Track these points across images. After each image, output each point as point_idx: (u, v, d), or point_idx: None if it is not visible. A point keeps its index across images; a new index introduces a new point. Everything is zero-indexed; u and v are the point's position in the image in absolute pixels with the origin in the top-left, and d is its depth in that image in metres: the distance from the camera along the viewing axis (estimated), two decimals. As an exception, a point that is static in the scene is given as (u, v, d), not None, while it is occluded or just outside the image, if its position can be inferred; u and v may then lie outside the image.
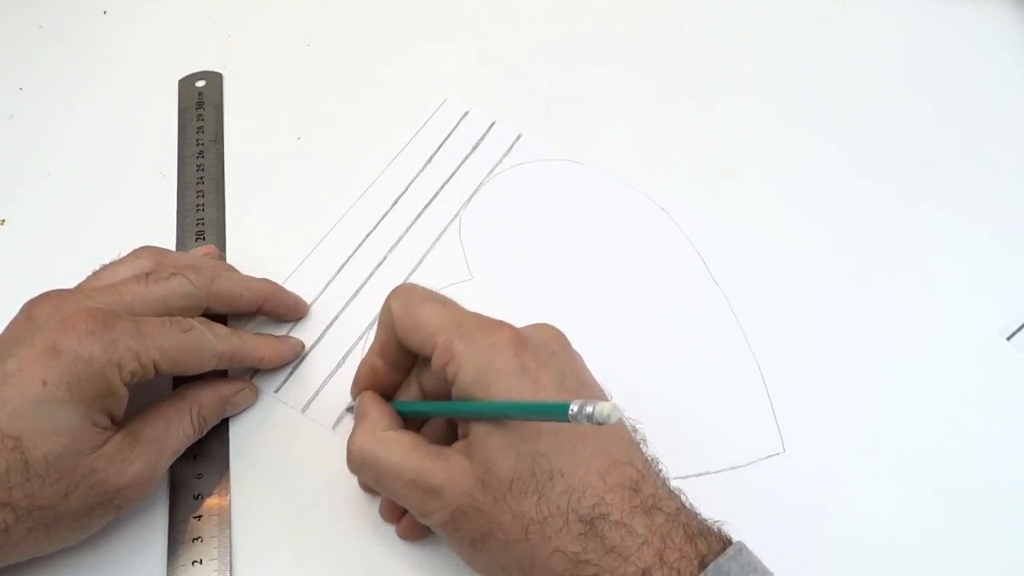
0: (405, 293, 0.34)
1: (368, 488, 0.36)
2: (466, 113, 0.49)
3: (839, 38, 0.52)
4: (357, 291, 0.43)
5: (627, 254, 0.44)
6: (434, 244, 0.44)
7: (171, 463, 0.35)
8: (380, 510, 0.36)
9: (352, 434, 0.33)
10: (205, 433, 0.37)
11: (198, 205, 0.46)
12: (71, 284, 0.40)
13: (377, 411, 0.34)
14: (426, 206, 0.46)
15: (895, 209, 0.44)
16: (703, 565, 0.27)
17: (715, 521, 0.29)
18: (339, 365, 0.41)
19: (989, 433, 0.38)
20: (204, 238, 0.45)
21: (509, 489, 0.29)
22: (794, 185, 0.46)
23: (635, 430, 0.31)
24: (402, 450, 0.31)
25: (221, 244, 0.45)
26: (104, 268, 0.37)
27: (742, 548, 0.28)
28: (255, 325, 0.42)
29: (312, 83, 0.51)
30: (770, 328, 0.42)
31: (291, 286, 0.43)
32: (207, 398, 0.37)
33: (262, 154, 0.48)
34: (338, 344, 0.41)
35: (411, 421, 0.35)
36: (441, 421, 0.35)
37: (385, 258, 0.44)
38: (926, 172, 0.46)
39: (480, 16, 0.54)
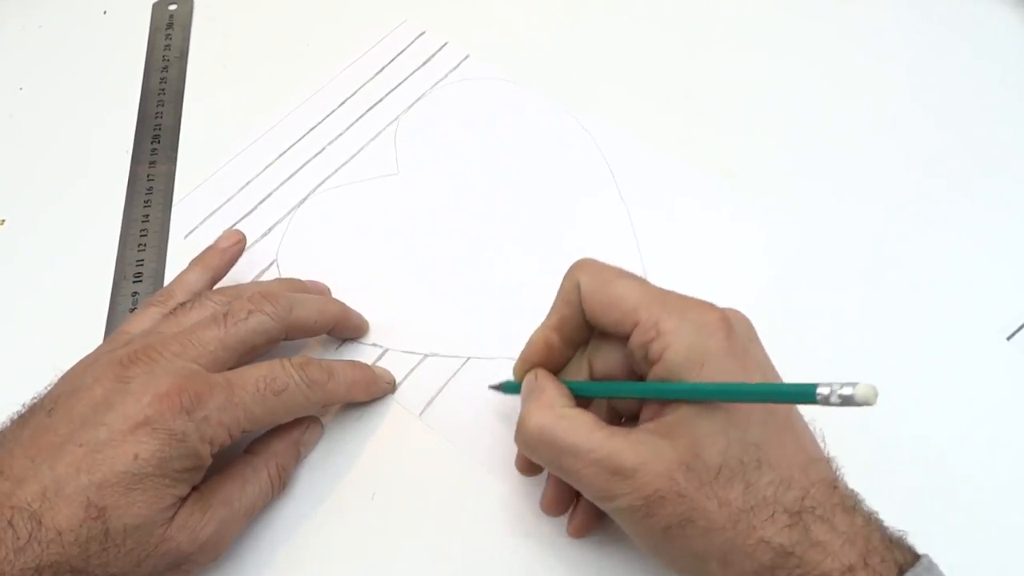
0: (594, 268, 0.32)
1: (528, 468, 0.34)
2: (422, 33, 0.51)
3: (837, 38, 0.50)
4: (292, 175, 0.45)
5: (546, 166, 0.45)
6: (370, 142, 0.46)
7: (247, 524, 0.34)
8: (543, 502, 0.33)
9: (527, 410, 0.31)
10: (286, 486, 0.36)
11: (157, 113, 0.49)
12: (70, 284, 0.42)
13: (555, 388, 0.31)
14: (369, 109, 0.48)
15: (894, 208, 0.43)
16: (901, 572, 0.26)
17: (900, 531, 0.28)
18: (268, 231, 0.44)
19: (988, 433, 0.36)
20: (159, 141, 0.48)
21: (717, 475, 0.27)
22: (786, 182, 0.44)
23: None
24: (586, 428, 0.29)
25: (173, 145, 0.47)
26: (182, 308, 0.35)
27: (932, 564, 0.27)
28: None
29: (278, 6, 0.53)
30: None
31: (239, 161, 0.46)
32: (280, 447, 0.35)
33: (224, 69, 0.51)
34: (274, 216, 0.44)
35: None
36: (604, 405, 0.33)
37: (323, 149, 0.46)
38: (925, 171, 0.44)
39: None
